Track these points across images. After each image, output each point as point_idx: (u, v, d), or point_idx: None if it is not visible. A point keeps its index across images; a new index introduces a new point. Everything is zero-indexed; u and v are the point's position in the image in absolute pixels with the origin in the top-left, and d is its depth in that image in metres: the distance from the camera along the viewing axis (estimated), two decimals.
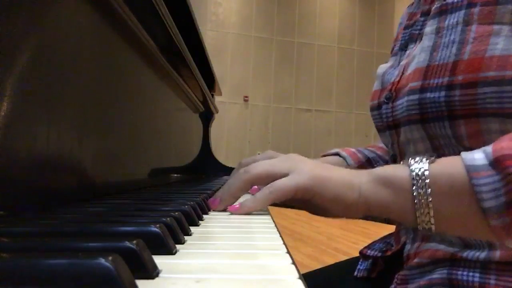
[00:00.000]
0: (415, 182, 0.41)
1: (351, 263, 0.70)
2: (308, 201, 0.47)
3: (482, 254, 0.48)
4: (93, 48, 0.53)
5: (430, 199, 0.40)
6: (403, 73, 0.56)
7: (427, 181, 0.40)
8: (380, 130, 0.61)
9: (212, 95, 1.52)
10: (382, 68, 0.64)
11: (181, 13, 0.95)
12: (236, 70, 8.24)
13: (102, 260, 0.17)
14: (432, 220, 0.40)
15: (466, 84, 0.46)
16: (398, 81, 0.57)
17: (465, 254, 0.49)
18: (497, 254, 0.47)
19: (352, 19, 8.96)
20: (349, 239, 3.94)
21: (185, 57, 0.89)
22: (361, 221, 5.25)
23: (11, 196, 0.36)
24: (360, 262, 0.67)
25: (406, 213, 0.42)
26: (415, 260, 0.53)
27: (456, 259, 0.50)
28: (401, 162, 0.45)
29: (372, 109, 0.62)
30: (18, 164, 0.36)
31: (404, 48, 0.61)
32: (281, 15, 8.52)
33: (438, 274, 0.50)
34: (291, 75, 8.61)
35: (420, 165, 0.41)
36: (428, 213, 0.40)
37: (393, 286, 0.55)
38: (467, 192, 0.38)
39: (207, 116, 1.48)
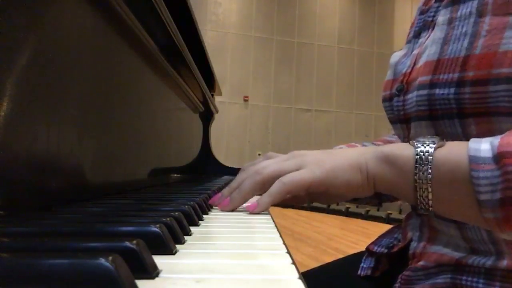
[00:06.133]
0: (417, 165, 0.41)
1: (354, 260, 0.68)
2: (322, 193, 0.48)
3: (488, 261, 0.46)
4: (93, 48, 0.53)
5: (430, 183, 0.41)
6: (414, 64, 0.54)
7: (430, 165, 0.41)
8: (392, 122, 0.59)
9: (212, 95, 1.52)
10: (396, 56, 0.60)
11: (181, 13, 0.95)
12: (236, 70, 8.25)
13: (102, 260, 0.17)
14: (430, 203, 0.41)
15: (477, 81, 0.43)
16: (410, 73, 0.54)
17: (470, 260, 0.47)
18: (504, 262, 0.45)
19: (352, 19, 8.96)
20: (349, 239, 3.94)
21: (185, 57, 0.89)
22: (361, 221, 5.25)
23: (11, 196, 0.36)
24: (363, 260, 0.65)
25: (407, 193, 0.43)
26: (420, 263, 0.52)
27: (461, 265, 0.48)
28: (409, 142, 0.45)
29: (384, 100, 0.59)
30: (18, 164, 0.36)
31: (417, 35, 0.58)
32: (281, 15, 8.52)
33: (442, 279, 0.49)
34: (291, 75, 8.61)
35: (426, 148, 0.41)
36: (427, 196, 0.41)
37: (397, 285, 0.54)
38: (466, 182, 0.38)
39: (207, 116, 1.48)
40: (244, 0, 8.35)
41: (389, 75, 0.60)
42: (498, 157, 0.37)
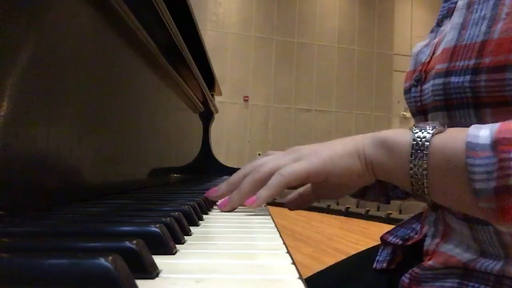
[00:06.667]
0: (413, 151, 0.40)
1: (370, 254, 0.66)
2: (323, 183, 0.47)
3: (497, 265, 0.45)
4: (93, 48, 0.53)
5: (426, 172, 0.39)
6: (433, 53, 0.51)
7: (426, 152, 0.39)
8: (412, 114, 0.57)
9: (212, 95, 1.52)
10: (418, 47, 0.57)
11: (181, 13, 0.95)
12: (236, 70, 8.25)
13: (102, 260, 0.17)
14: (427, 190, 0.40)
15: (494, 67, 0.41)
16: (429, 62, 0.51)
17: (478, 265, 0.46)
18: None
19: (352, 19, 8.97)
20: (349, 239, 3.94)
21: (185, 57, 0.89)
22: (361, 221, 5.25)
23: (11, 196, 0.36)
24: (379, 252, 0.63)
25: (404, 179, 0.42)
26: (429, 263, 0.51)
27: (469, 269, 0.47)
28: (409, 127, 0.43)
29: (404, 92, 0.57)
30: (18, 164, 0.36)
31: (440, 24, 0.55)
32: (281, 15, 8.53)
33: (450, 283, 0.48)
34: (291, 75, 8.62)
35: (423, 134, 0.40)
36: (423, 183, 0.40)
37: (406, 280, 0.52)
38: (462, 170, 0.37)
39: (207, 116, 1.48)
40: (244, 0, 8.35)
41: (410, 66, 0.58)
42: (495, 144, 0.35)
